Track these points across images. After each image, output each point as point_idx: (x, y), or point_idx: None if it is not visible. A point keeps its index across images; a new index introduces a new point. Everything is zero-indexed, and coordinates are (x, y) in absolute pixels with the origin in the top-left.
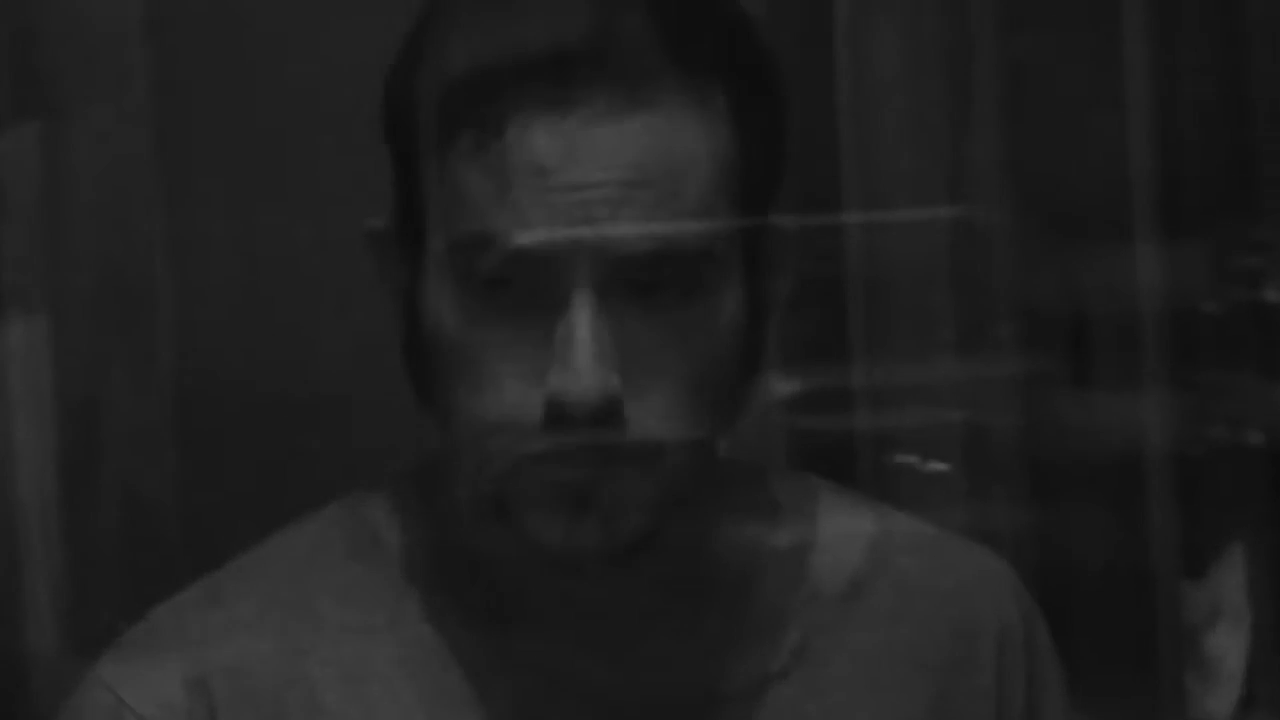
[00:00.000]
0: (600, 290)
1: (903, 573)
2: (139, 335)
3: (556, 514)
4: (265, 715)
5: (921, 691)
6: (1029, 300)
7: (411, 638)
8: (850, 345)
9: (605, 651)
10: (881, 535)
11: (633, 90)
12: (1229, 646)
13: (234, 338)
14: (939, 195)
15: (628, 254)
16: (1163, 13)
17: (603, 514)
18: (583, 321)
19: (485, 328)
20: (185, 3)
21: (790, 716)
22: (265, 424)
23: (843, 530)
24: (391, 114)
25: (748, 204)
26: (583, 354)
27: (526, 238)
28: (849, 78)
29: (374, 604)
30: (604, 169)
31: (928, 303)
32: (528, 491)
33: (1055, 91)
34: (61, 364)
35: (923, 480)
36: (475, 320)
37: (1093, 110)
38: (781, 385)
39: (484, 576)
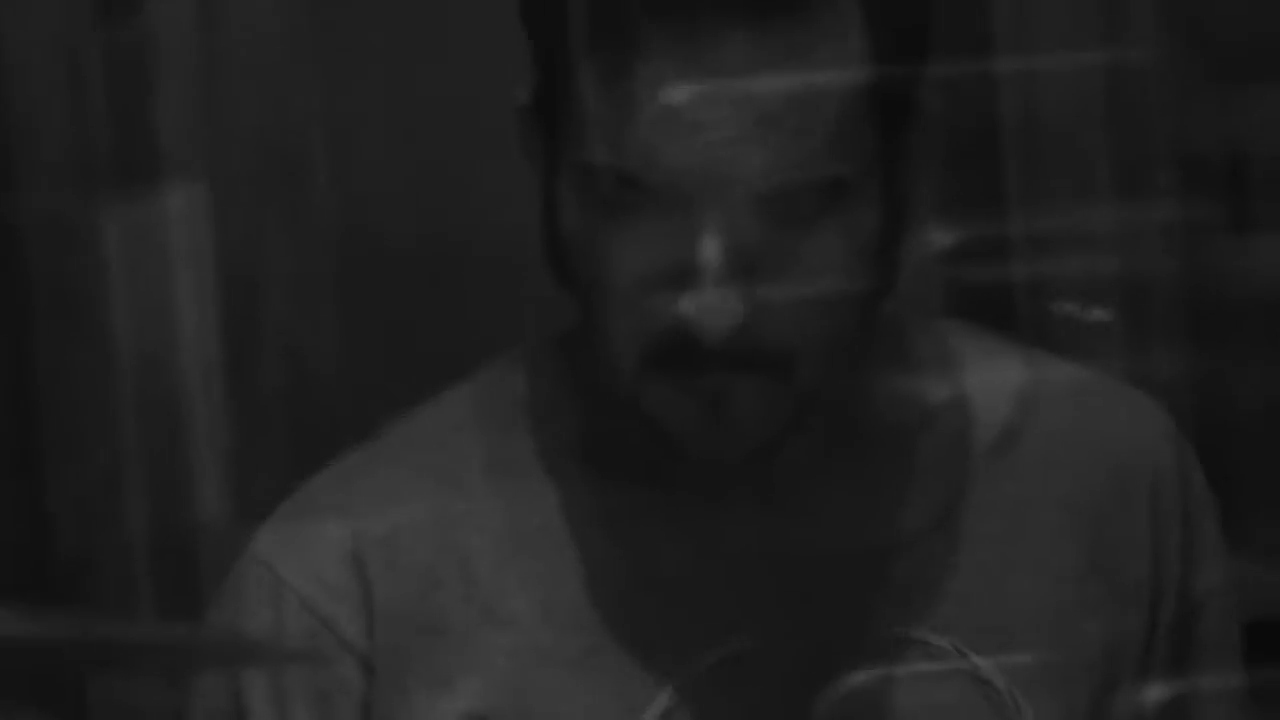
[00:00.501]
0: (730, 216)
1: (1055, 420)
2: (298, 200)
3: (690, 420)
4: (419, 585)
5: (1075, 538)
6: (1187, 144)
7: (561, 505)
8: (1007, 194)
9: (759, 510)
10: (1034, 383)
11: (763, 25)
12: None
13: (392, 201)
14: (1094, 39)
15: (757, 189)
16: None
17: (734, 421)
18: (712, 247)
19: (615, 240)
20: None
21: (941, 569)
22: (424, 286)
23: (995, 380)
24: (526, 5)
25: (887, 111)
26: (711, 279)
27: (654, 176)
28: None
29: (523, 473)
30: (734, 108)
31: (1084, 149)
32: (661, 394)
33: None
34: (222, 229)
35: (1082, 328)
36: (606, 231)
37: None
38: (939, 235)
39: (633, 445)
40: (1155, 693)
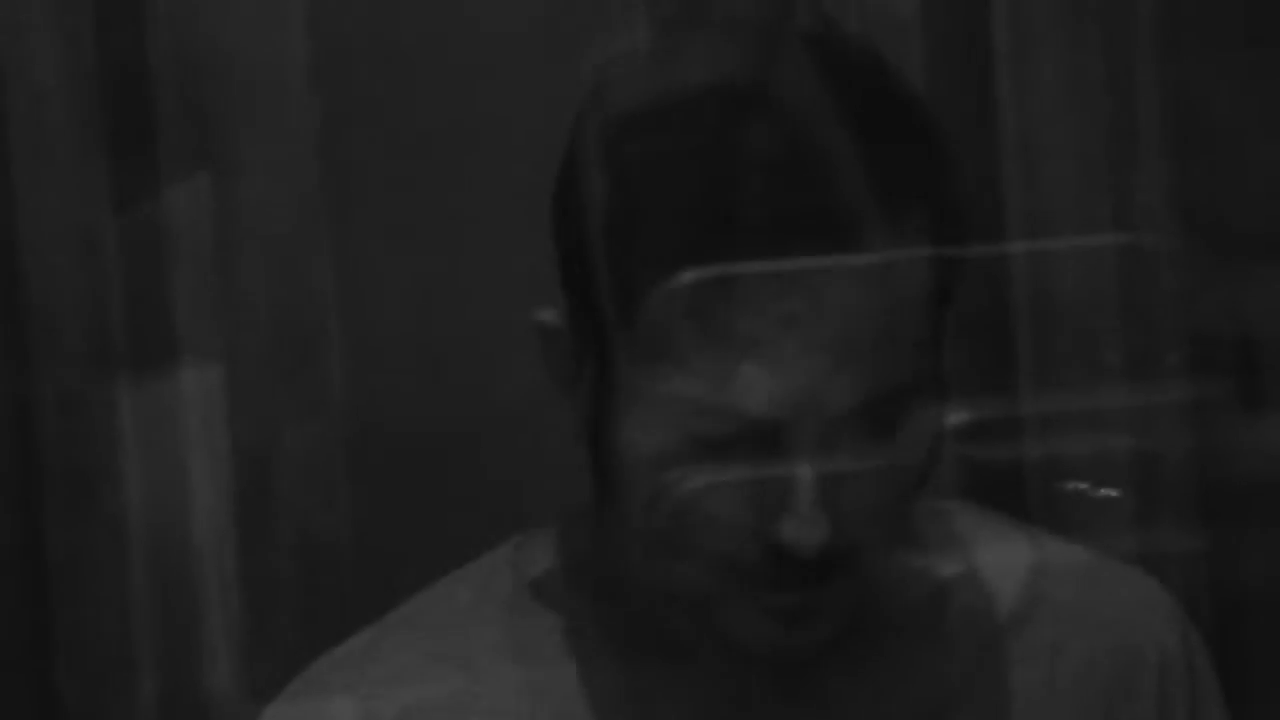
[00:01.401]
0: (821, 438)
1: (1062, 602)
2: (312, 380)
3: (766, 631)
4: None
5: None
6: (1197, 325)
7: (574, 692)
8: (1018, 374)
9: (778, 693)
10: (1040, 565)
11: (850, 250)
12: None
13: (406, 381)
14: (1105, 222)
15: (848, 410)
16: None
17: (811, 629)
18: (806, 475)
19: (692, 467)
20: (350, 49)
21: None
22: (438, 466)
23: (1003, 561)
24: (568, 226)
25: (941, 305)
26: (808, 505)
27: (749, 410)
28: (1011, 107)
29: (535, 658)
30: (828, 333)
31: (1095, 329)
32: (741, 608)
33: (1219, 116)
34: (236, 409)
35: (1093, 507)
36: (681, 459)
37: (1258, 133)
38: (950, 415)
39: (649, 632)
40: None
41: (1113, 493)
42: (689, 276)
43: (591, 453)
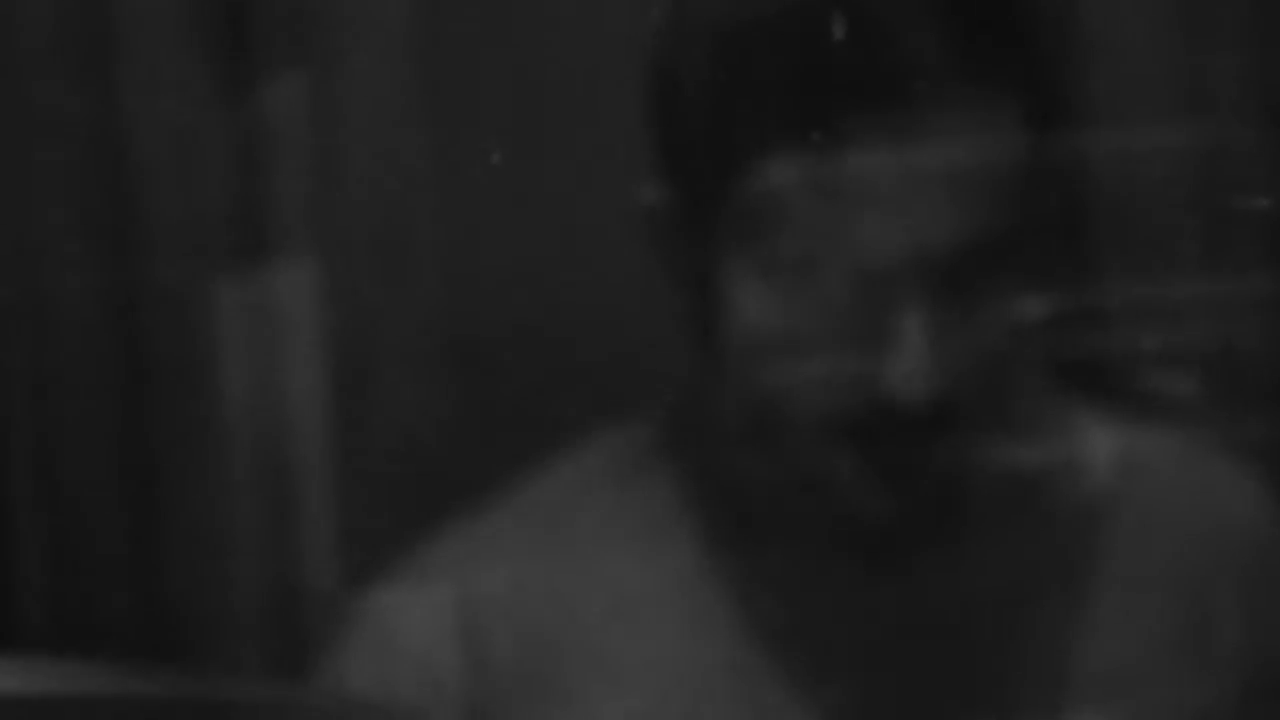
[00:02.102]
0: (927, 286)
1: (1152, 490)
2: (410, 276)
3: (874, 491)
4: (534, 644)
5: (1172, 610)
6: (1278, 216)
7: (677, 565)
8: (1101, 265)
9: (879, 570)
10: (1130, 452)
11: (954, 108)
12: None
13: (504, 276)
14: (1188, 112)
15: (949, 257)
16: None
17: (917, 487)
18: (915, 326)
19: (806, 319)
20: None
21: (1047, 638)
22: (535, 360)
23: (1092, 448)
24: (668, 105)
25: (1037, 176)
26: (917, 357)
27: (862, 261)
28: None
29: (639, 532)
30: (932, 186)
31: (1177, 221)
32: (846, 471)
33: None
34: (334, 306)
35: (1174, 398)
36: (793, 313)
37: None
38: (1033, 306)
39: (744, 501)
40: None
41: (1192, 383)
42: (797, 138)
43: (700, 332)
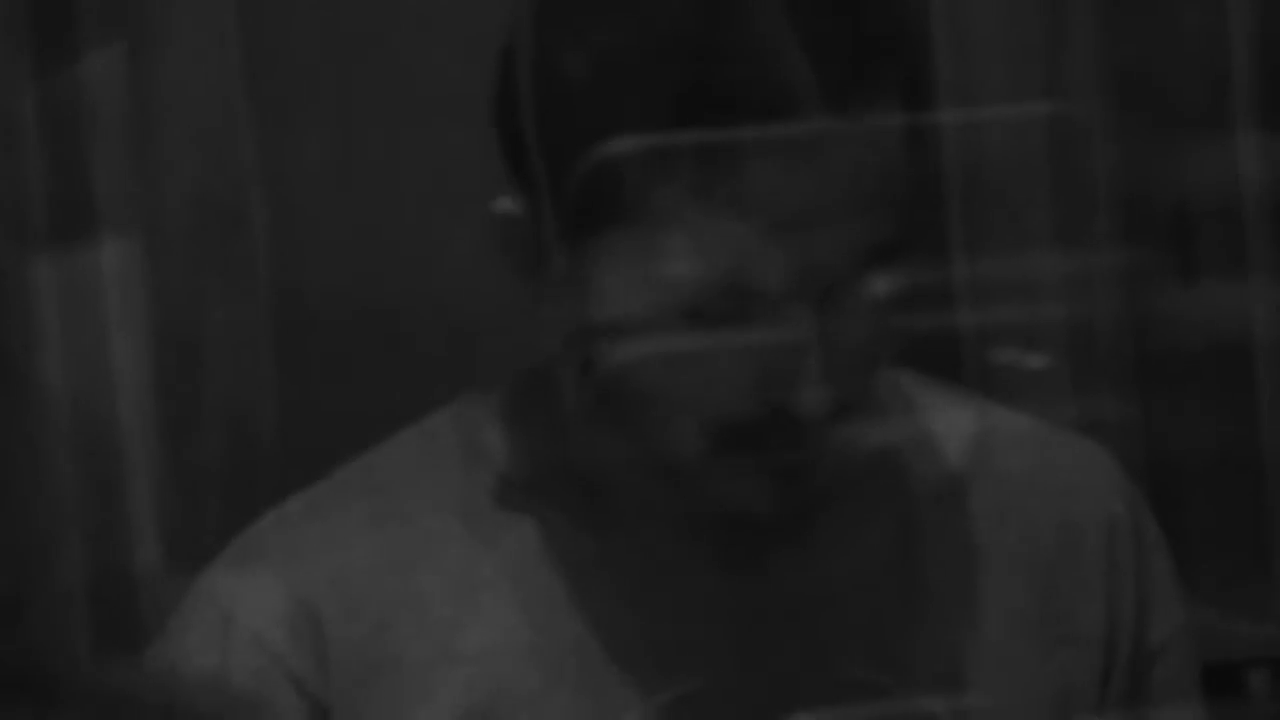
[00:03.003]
0: (826, 301)
1: (1004, 470)
2: (235, 256)
3: (763, 488)
4: (372, 627)
5: (1027, 585)
6: (1131, 194)
7: (517, 547)
8: (950, 242)
9: (717, 563)
10: (982, 432)
11: (838, 119)
12: None
13: (329, 256)
14: (1036, 91)
15: (842, 270)
16: None
17: (808, 483)
18: (811, 339)
19: (679, 323)
20: None
21: (893, 611)
22: (363, 341)
23: (943, 428)
24: (528, 110)
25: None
26: (812, 369)
27: (756, 282)
28: None
29: (479, 514)
30: (822, 199)
31: (1028, 198)
32: (732, 469)
33: None
34: (158, 286)
35: (1026, 376)
36: (667, 315)
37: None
38: (883, 283)
39: (592, 484)
40: None
41: (1044, 361)
42: (689, 146)
43: (552, 313)
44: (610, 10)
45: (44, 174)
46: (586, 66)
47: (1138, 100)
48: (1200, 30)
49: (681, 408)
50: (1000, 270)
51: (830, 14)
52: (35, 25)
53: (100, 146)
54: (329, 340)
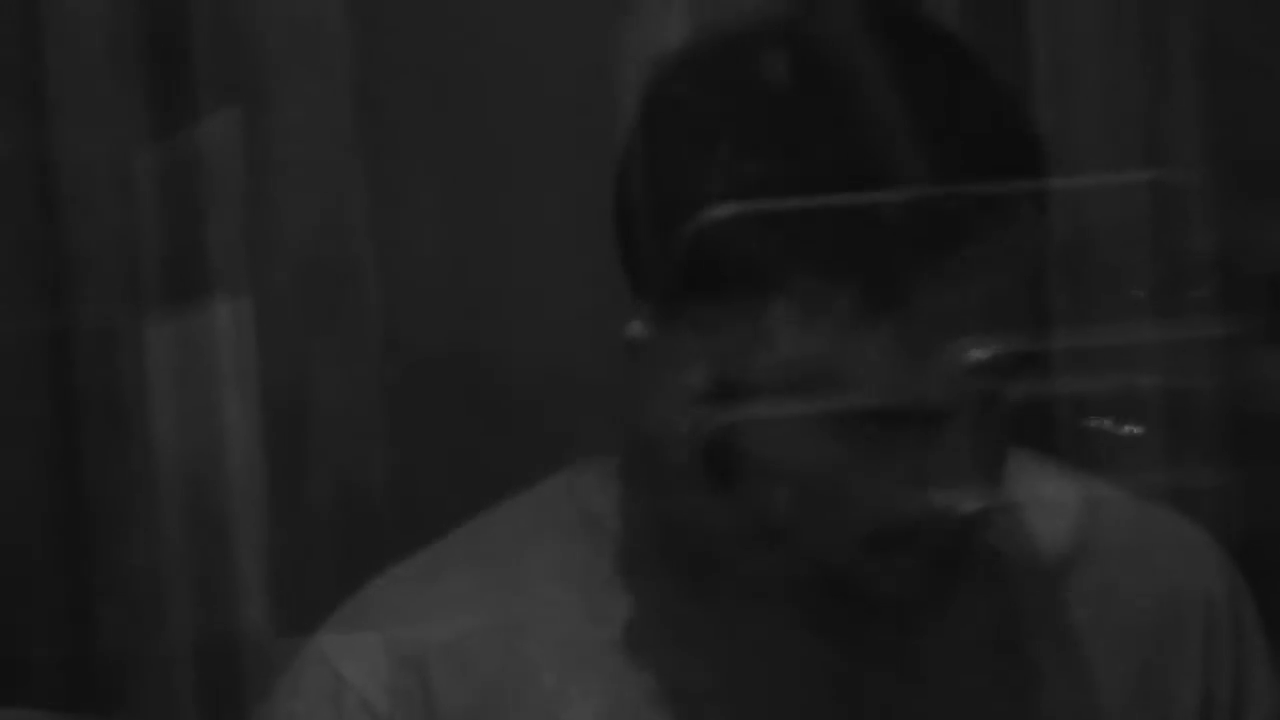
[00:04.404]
0: (967, 414)
1: (1107, 548)
2: (346, 318)
3: (890, 584)
4: (481, 693)
5: (1127, 669)
6: (1227, 260)
7: (629, 617)
8: (1047, 310)
9: (822, 628)
10: (1089, 509)
11: (999, 234)
12: None
13: (441, 320)
14: (1136, 157)
15: (985, 381)
16: None
17: (935, 579)
18: (959, 445)
19: (837, 446)
20: None
21: (997, 692)
22: (473, 406)
23: (1050, 506)
24: (663, 211)
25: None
26: (957, 474)
27: (930, 399)
28: (1045, 43)
29: (591, 583)
30: (976, 319)
31: (1124, 265)
32: (874, 567)
33: (1251, 49)
34: (268, 347)
35: (1120, 443)
36: (832, 453)
37: None
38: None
39: (706, 556)
40: None
41: (1138, 429)
42: (863, 279)
43: (662, 385)
44: (762, 141)
45: (159, 234)
46: (735, 195)
47: (1235, 166)
48: None
49: (836, 506)
50: (1098, 337)
51: (979, 139)
52: (153, 88)
53: (214, 208)
54: (439, 399)
